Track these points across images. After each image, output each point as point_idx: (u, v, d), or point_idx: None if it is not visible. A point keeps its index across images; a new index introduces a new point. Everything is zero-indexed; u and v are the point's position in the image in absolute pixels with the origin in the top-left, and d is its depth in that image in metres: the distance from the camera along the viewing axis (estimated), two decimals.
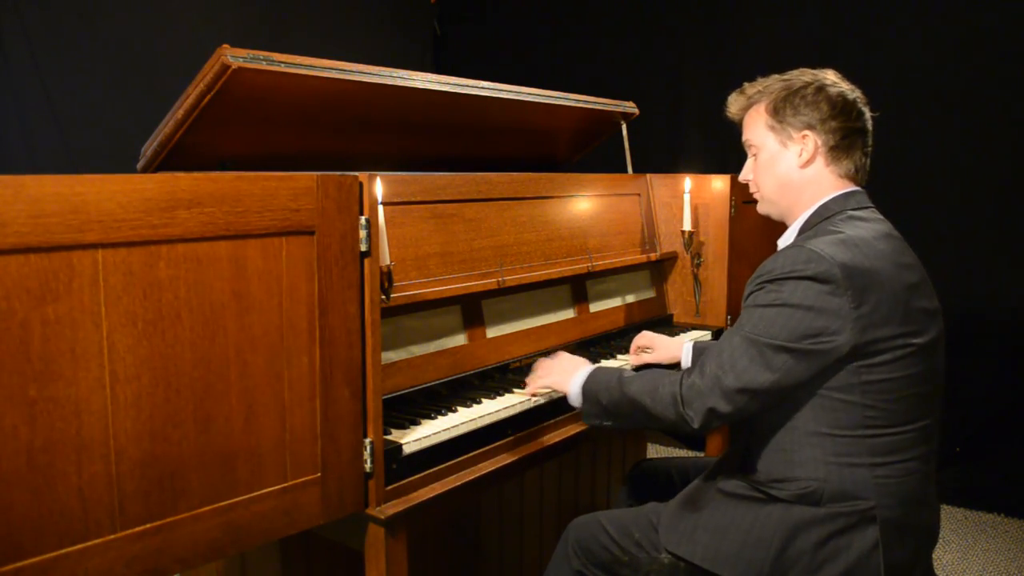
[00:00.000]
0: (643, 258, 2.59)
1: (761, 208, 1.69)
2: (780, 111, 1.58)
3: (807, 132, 1.56)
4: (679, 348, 2.12)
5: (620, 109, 2.67)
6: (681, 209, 2.59)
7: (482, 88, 2.10)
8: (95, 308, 1.11)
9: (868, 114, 1.59)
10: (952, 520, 3.24)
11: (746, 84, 1.68)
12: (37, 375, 1.06)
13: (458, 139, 2.41)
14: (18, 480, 1.06)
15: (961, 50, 3.28)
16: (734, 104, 1.69)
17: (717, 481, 1.58)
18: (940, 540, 2.99)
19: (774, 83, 1.62)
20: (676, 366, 2.12)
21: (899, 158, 3.43)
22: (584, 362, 1.77)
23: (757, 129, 1.63)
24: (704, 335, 2.52)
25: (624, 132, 2.77)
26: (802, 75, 1.60)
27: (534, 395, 1.83)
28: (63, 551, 1.10)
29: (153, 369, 1.17)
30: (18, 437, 1.05)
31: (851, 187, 1.57)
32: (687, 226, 2.57)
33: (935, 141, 3.36)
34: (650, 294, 2.71)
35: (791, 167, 1.58)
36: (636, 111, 2.74)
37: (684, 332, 2.55)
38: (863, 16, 3.48)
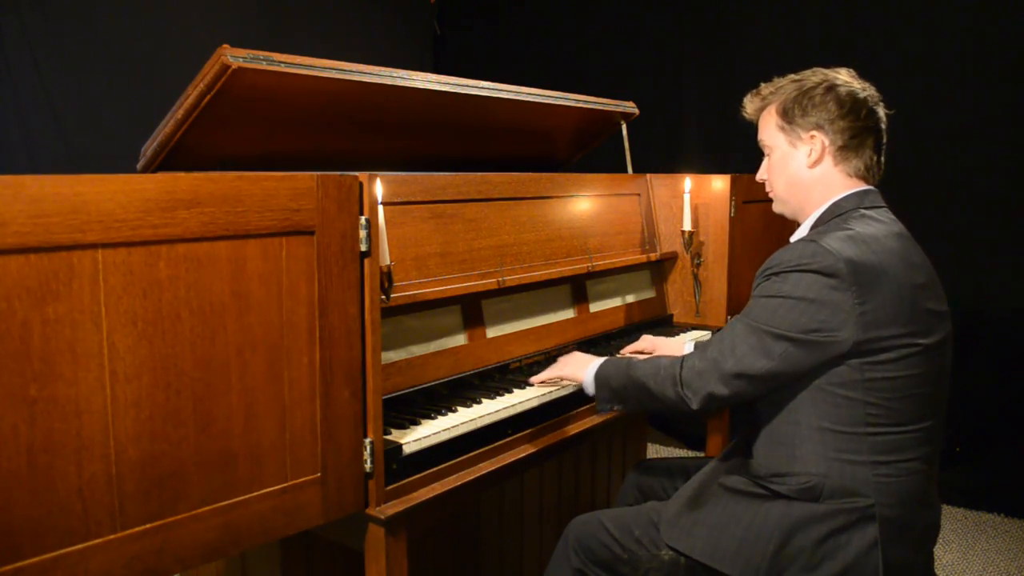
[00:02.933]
0: (643, 258, 2.59)
1: (776, 207, 1.72)
2: (789, 112, 1.60)
3: (815, 132, 1.58)
4: (679, 348, 2.13)
5: (620, 109, 2.67)
6: (681, 209, 2.59)
7: (482, 88, 2.10)
8: (95, 308, 1.11)
9: (881, 112, 1.60)
10: (952, 520, 3.24)
11: (762, 84, 1.70)
12: (37, 375, 1.06)
13: (458, 139, 2.41)
14: (18, 480, 1.06)
15: (965, 49, 3.27)
16: (750, 105, 1.72)
17: (718, 477, 1.59)
18: (940, 540, 2.99)
19: (787, 84, 1.64)
20: None
21: (901, 157, 3.42)
22: (595, 358, 1.81)
23: (769, 129, 1.66)
24: (704, 335, 2.52)
25: (624, 132, 2.76)
26: (814, 75, 1.62)
27: (543, 383, 1.88)
28: (63, 551, 1.10)
29: (153, 369, 1.17)
30: (18, 437, 1.05)
31: (862, 186, 1.59)
32: (687, 226, 2.57)
33: (937, 140, 3.35)
34: (650, 294, 2.71)
35: (800, 167, 1.61)
36: (636, 111, 2.74)
37: (684, 332, 2.55)
38: (863, 15, 3.47)
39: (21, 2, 2.92)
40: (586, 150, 2.90)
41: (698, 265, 2.63)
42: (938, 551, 2.93)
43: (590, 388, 1.74)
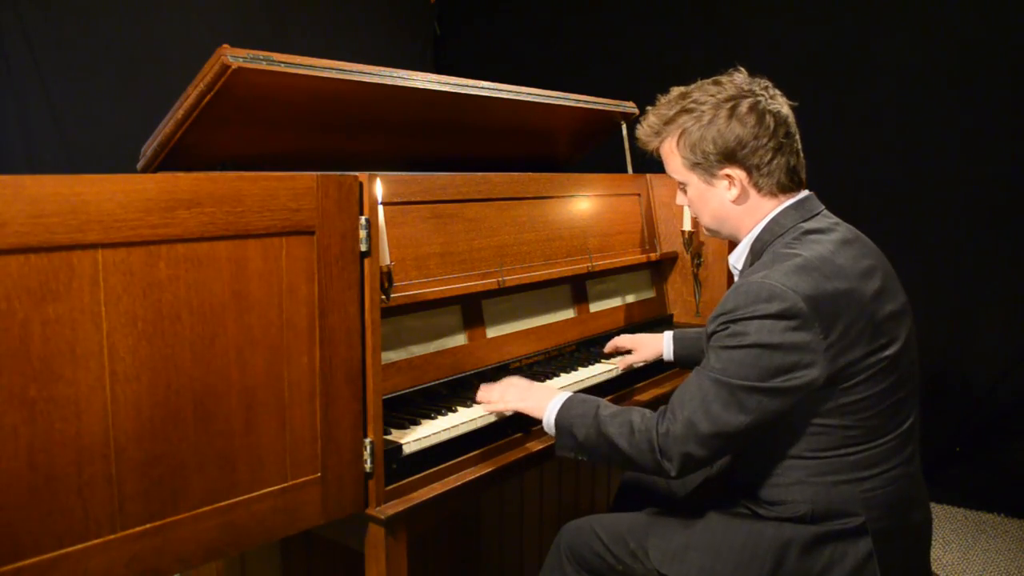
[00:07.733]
0: (643, 258, 2.59)
1: (707, 232, 1.65)
2: (694, 149, 1.50)
3: (729, 171, 1.48)
4: (660, 344, 2.11)
5: (620, 109, 2.67)
6: (681, 209, 2.59)
7: (482, 88, 2.10)
8: (95, 308, 1.11)
9: (785, 109, 1.50)
10: (952, 520, 3.24)
11: (648, 109, 1.58)
12: (37, 375, 1.06)
13: (458, 139, 2.41)
14: (18, 480, 1.06)
15: (961, 51, 3.27)
16: (644, 136, 1.60)
17: (709, 499, 1.56)
18: (940, 540, 3.00)
19: (679, 113, 1.51)
20: (660, 362, 2.13)
21: (897, 161, 3.43)
22: (554, 391, 1.63)
23: (675, 166, 1.56)
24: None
25: (624, 132, 2.76)
26: (704, 94, 1.49)
27: (491, 411, 1.71)
28: (63, 551, 1.11)
29: (153, 369, 1.17)
30: (18, 437, 1.05)
31: (793, 196, 1.51)
32: (687, 226, 2.57)
33: (934, 143, 3.35)
34: (650, 294, 2.71)
35: (723, 202, 1.52)
36: (636, 111, 2.74)
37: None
38: (862, 16, 3.47)
39: (21, 2, 2.92)
40: (586, 150, 2.90)
41: (698, 265, 2.63)
42: (938, 551, 2.93)
43: (550, 429, 1.58)
